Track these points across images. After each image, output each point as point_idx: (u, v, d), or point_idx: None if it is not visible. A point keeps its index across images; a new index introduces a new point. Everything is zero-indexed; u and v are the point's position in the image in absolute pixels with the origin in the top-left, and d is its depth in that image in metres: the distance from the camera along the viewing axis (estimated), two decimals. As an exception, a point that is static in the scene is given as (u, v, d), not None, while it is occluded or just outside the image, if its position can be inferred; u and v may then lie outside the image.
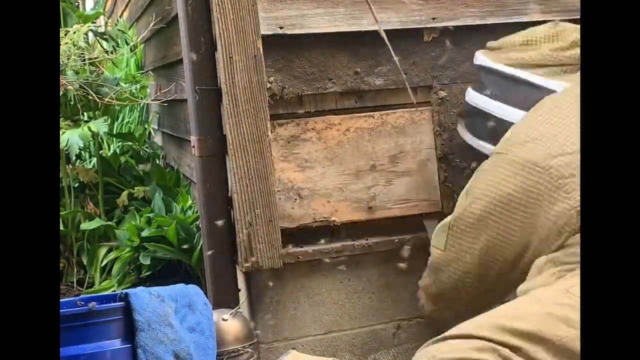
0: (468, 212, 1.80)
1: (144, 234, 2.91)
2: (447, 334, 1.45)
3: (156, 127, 4.46)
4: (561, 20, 2.36)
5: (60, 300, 1.89)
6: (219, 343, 1.92)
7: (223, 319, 1.94)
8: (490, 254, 1.77)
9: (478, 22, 2.30)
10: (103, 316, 1.83)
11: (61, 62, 3.06)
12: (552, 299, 1.46)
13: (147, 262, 2.88)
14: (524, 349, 1.37)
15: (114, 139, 4.15)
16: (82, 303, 1.92)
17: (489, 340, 1.38)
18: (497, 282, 1.80)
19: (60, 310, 1.80)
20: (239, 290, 2.25)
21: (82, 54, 3.19)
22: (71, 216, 3.26)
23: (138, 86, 3.51)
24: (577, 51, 1.96)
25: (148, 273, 2.91)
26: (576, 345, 1.36)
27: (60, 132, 3.04)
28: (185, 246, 2.84)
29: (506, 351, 1.37)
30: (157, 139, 4.49)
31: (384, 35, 2.00)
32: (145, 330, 1.83)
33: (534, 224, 1.67)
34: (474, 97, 2.12)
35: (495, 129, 1.97)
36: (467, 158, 2.32)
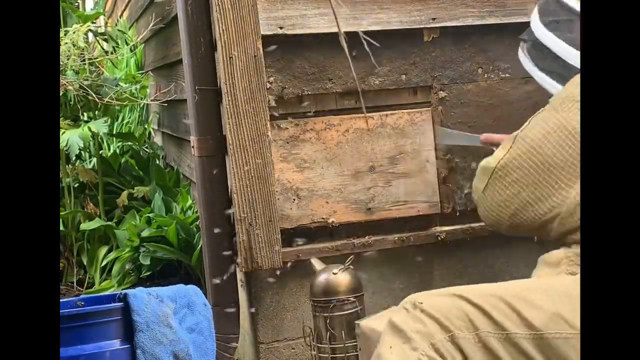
0: (511, 162, 1.77)
1: (144, 234, 2.91)
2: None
3: (156, 127, 4.46)
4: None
5: (61, 301, 1.89)
6: (330, 292, 1.99)
7: (333, 273, 2.01)
8: (520, 215, 1.77)
9: (478, 22, 2.30)
10: (102, 317, 1.83)
11: (61, 62, 3.06)
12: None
13: (147, 262, 2.88)
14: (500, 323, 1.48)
15: (114, 139, 4.16)
16: (83, 303, 1.92)
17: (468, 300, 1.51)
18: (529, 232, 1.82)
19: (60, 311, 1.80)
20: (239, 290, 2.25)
21: (82, 54, 3.20)
22: (71, 216, 3.26)
23: (138, 86, 3.52)
24: None
25: (148, 273, 2.92)
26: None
27: (60, 132, 3.04)
28: (185, 246, 2.84)
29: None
30: (157, 139, 4.49)
31: (343, 43, 1.99)
32: (144, 331, 1.84)
33: (565, 194, 1.68)
34: (539, 29, 2.00)
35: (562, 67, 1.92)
36: (466, 159, 2.32)
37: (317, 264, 2.09)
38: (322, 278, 2.03)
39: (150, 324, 1.84)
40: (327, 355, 2.00)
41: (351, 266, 2.04)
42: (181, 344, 1.89)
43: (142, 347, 1.83)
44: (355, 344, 1.96)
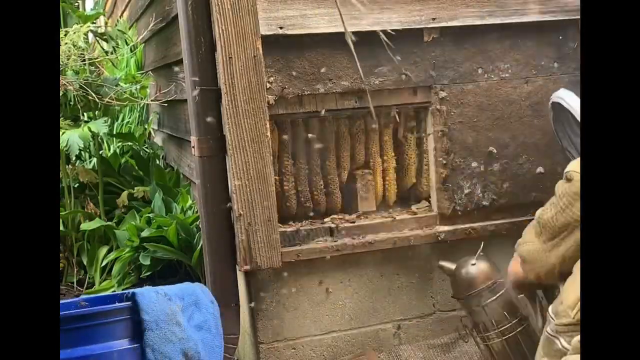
0: (556, 217, 1.81)
1: (144, 234, 2.91)
2: None
3: (156, 127, 4.46)
4: (560, 21, 2.37)
5: (65, 301, 1.89)
6: (481, 281, 2.06)
7: (472, 264, 2.08)
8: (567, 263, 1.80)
9: (478, 22, 2.30)
10: (110, 316, 1.81)
11: (61, 62, 3.06)
12: None
13: (147, 262, 2.88)
14: None
15: (114, 139, 4.15)
16: (86, 303, 1.92)
17: None
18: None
19: (67, 312, 1.80)
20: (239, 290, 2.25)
21: (82, 54, 3.19)
22: (71, 216, 3.26)
23: (138, 86, 3.51)
24: None
25: (148, 273, 2.92)
26: None
27: (60, 132, 3.04)
28: (185, 246, 2.84)
29: None
30: (157, 139, 4.49)
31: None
32: (154, 330, 1.82)
33: None
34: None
35: None
36: (467, 159, 2.32)
37: (447, 264, 2.13)
38: (466, 271, 2.08)
39: (159, 323, 1.83)
40: (499, 340, 2.05)
41: (481, 252, 2.09)
42: (190, 342, 1.88)
43: (151, 346, 1.82)
44: (519, 320, 2.02)
